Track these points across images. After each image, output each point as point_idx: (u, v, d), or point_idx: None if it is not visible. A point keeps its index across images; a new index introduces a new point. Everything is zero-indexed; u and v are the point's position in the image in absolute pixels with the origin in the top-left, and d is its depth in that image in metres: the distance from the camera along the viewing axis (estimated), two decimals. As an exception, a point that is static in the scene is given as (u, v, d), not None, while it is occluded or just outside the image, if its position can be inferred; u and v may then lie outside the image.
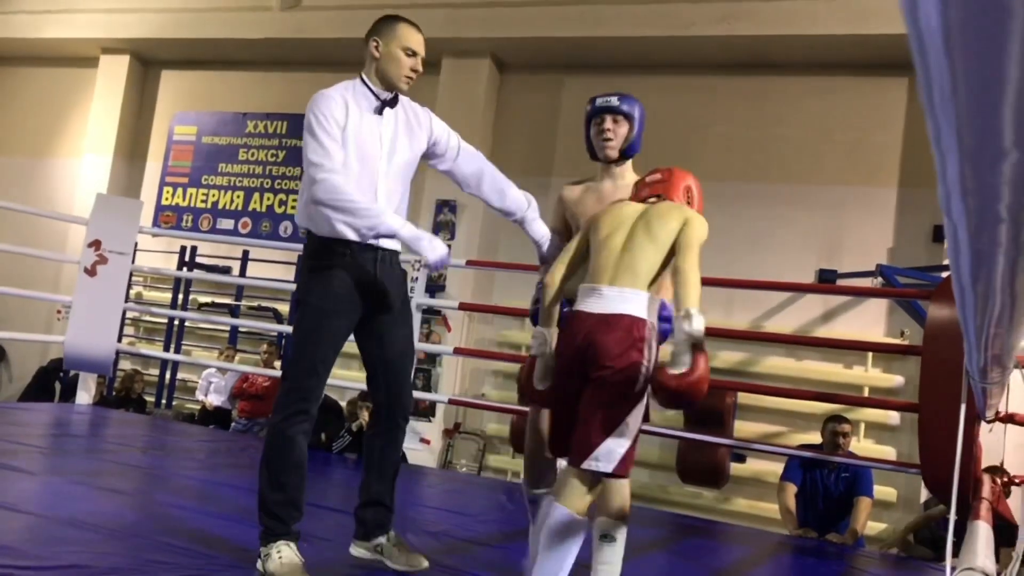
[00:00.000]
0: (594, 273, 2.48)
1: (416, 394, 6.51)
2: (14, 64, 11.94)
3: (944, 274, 5.95)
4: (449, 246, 2.79)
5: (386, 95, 2.81)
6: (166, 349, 9.57)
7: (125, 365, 9.66)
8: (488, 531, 3.98)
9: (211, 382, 8.89)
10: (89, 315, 6.43)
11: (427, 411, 8.75)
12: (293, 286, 8.72)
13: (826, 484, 5.21)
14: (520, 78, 9.43)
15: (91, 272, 6.43)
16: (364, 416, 5.72)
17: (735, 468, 7.67)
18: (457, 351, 6.98)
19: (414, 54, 2.80)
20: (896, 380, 7.61)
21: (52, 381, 9.98)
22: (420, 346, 6.38)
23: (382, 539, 2.96)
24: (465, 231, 8.95)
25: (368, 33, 2.83)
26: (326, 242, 2.75)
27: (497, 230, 9.12)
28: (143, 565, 2.50)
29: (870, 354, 7.66)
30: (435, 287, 8.56)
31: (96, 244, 6.45)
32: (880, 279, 7.05)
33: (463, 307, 7.15)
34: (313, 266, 2.78)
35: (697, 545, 4.53)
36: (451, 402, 6.92)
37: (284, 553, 2.63)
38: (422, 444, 8.64)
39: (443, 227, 8.96)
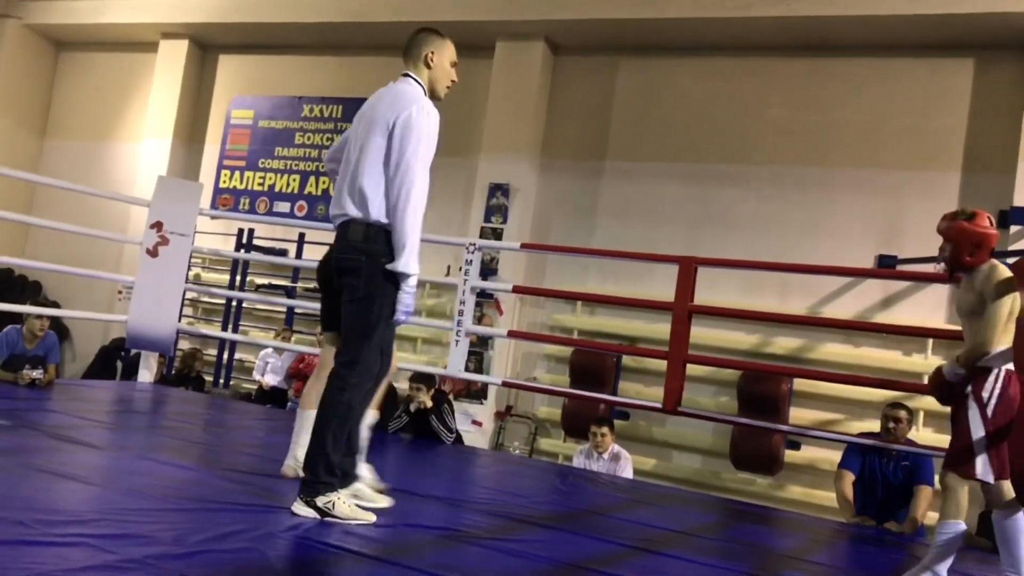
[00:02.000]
0: None
1: (468, 376, 6.59)
2: (77, 49, 12.21)
3: (1011, 260, 5.79)
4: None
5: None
6: (224, 329, 9.74)
7: (184, 345, 9.86)
8: (544, 511, 3.99)
9: (268, 362, 9.02)
10: (151, 295, 6.57)
11: (479, 393, 8.80)
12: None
13: (884, 472, 5.12)
14: (574, 60, 9.36)
15: (153, 253, 6.57)
16: (422, 398, 5.81)
17: (789, 455, 7.59)
18: (511, 334, 6.99)
19: (454, 66, 3.23)
20: (957, 368, 7.44)
21: (114, 360, 10.23)
22: (473, 329, 6.42)
23: (358, 484, 3.26)
24: (518, 214, 8.94)
25: (419, 44, 3.15)
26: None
27: (550, 214, 9.10)
28: (207, 537, 2.55)
29: (930, 341, 7.49)
30: (488, 271, 8.58)
31: (158, 225, 6.58)
32: (942, 265, 6.87)
33: (517, 290, 7.14)
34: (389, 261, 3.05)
35: (753, 531, 4.49)
36: (504, 384, 6.94)
37: (345, 499, 3.03)
38: (474, 426, 8.69)
39: (495, 211, 8.95)
